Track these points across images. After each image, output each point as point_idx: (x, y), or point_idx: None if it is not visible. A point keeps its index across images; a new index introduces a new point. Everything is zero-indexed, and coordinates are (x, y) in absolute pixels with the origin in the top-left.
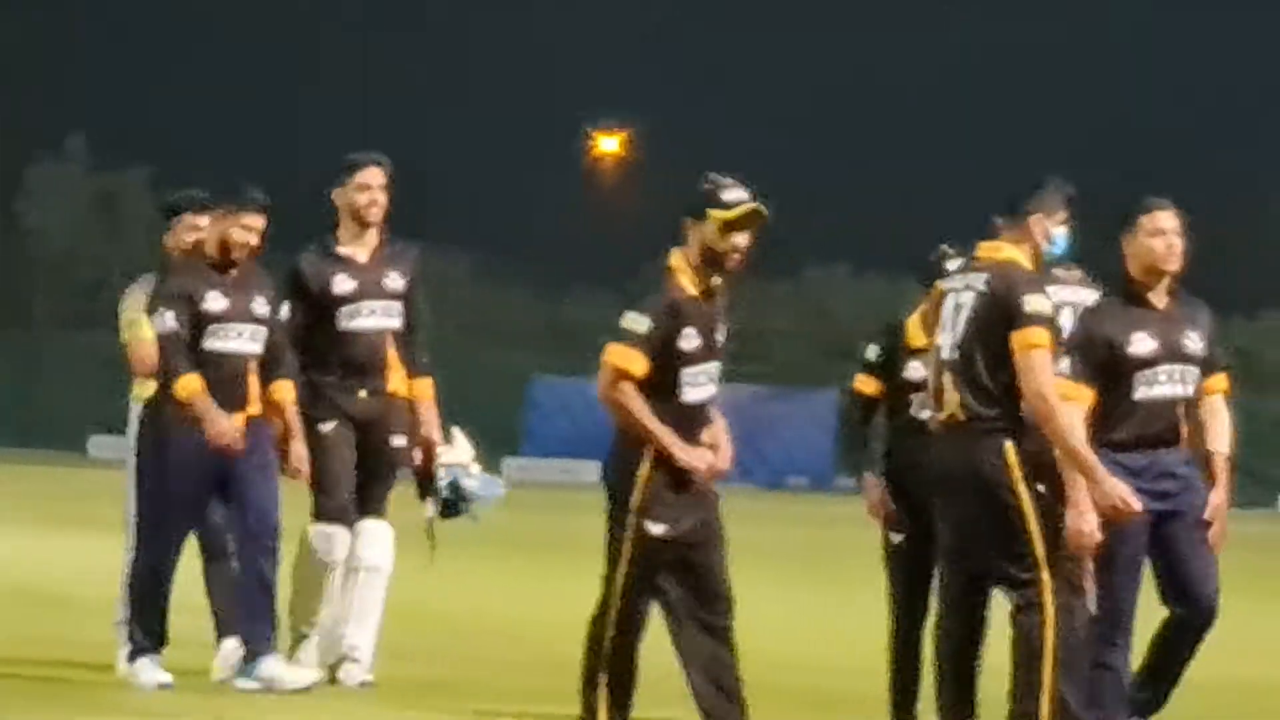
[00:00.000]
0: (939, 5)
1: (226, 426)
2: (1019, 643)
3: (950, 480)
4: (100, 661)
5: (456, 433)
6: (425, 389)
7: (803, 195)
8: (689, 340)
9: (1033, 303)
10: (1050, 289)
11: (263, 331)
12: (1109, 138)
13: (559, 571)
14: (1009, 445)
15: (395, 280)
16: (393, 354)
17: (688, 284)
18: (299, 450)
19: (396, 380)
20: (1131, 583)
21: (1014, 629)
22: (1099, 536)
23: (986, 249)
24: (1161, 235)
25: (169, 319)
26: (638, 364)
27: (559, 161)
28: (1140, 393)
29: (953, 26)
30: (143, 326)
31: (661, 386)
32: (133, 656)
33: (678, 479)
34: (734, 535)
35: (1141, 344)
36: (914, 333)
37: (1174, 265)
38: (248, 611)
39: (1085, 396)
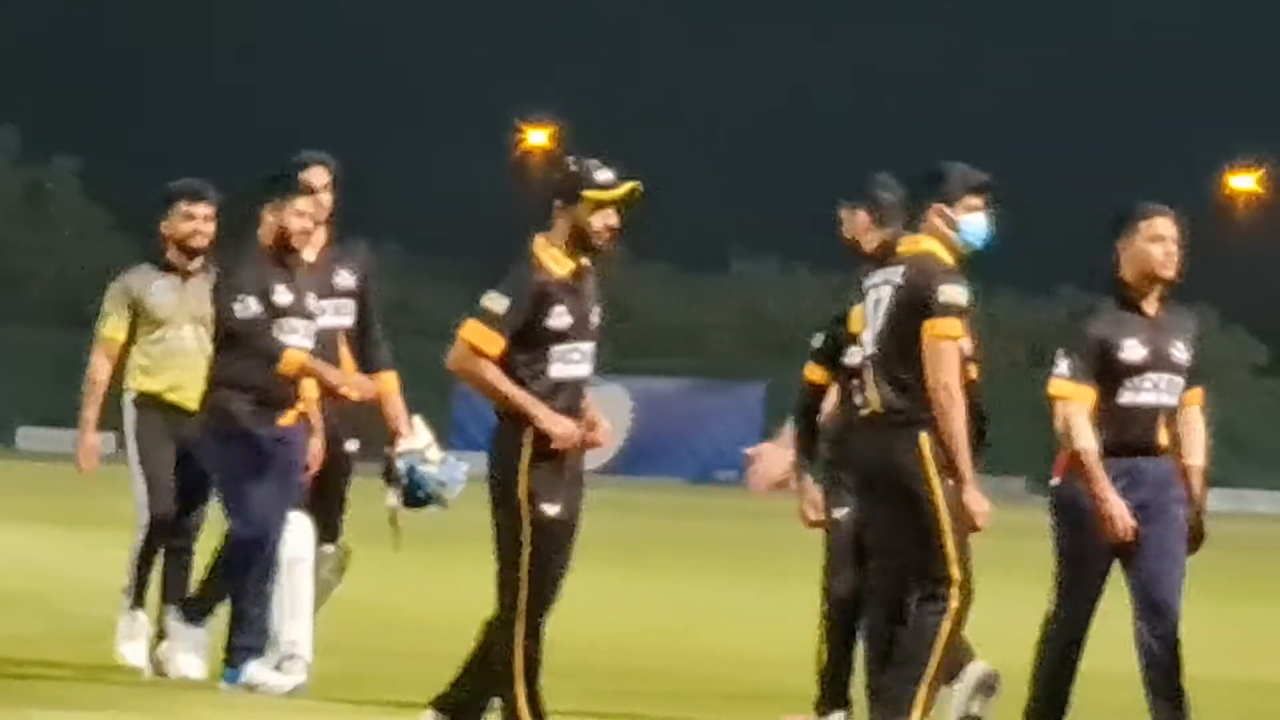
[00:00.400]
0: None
1: (354, 380)
2: (914, 633)
3: (870, 475)
4: (30, 657)
5: (416, 421)
6: (389, 382)
7: (731, 190)
8: (559, 318)
9: (947, 293)
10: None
11: (315, 328)
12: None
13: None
14: (924, 437)
15: (345, 278)
16: (345, 353)
17: (554, 266)
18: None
19: (347, 384)
20: (1094, 588)
21: (913, 618)
22: (1131, 522)
23: (906, 242)
24: (1160, 241)
25: (251, 304)
26: (492, 343)
27: (488, 154)
28: (1125, 398)
29: (883, 22)
30: (107, 324)
31: (530, 364)
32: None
33: (559, 461)
34: (663, 529)
35: (1132, 350)
36: (856, 320)
37: (1170, 273)
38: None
39: (1087, 395)
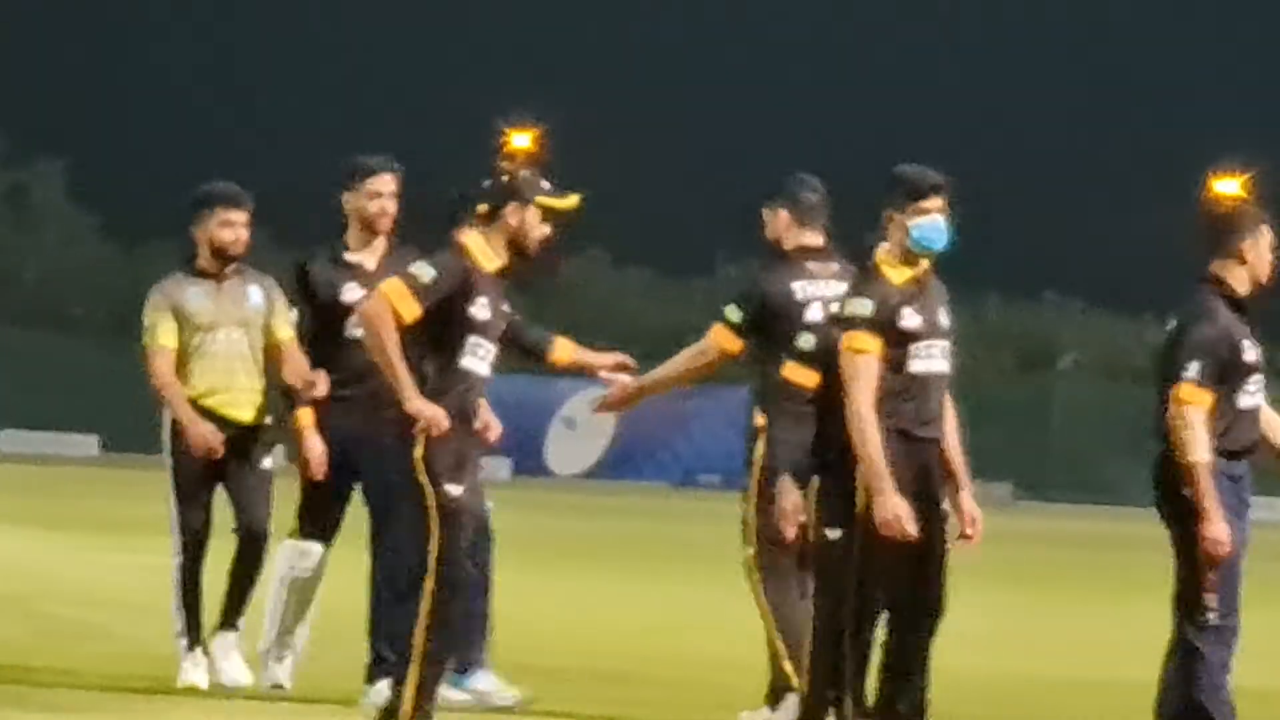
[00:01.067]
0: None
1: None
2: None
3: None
4: (10, 661)
5: None
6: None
7: (717, 193)
8: (481, 309)
9: (848, 306)
10: (799, 283)
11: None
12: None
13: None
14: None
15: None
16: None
17: (482, 259)
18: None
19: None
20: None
21: (905, 644)
22: (1227, 546)
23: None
24: (1273, 252)
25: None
26: (408, 307)
27: (471, 155)
28: (1243, 401)
29: (881, 25)
30: (158, 334)
31: (442, 346)
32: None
33: (456, 445)
34: (647, 532)
35: (1251, 352)
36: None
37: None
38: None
39: (1208, 401)
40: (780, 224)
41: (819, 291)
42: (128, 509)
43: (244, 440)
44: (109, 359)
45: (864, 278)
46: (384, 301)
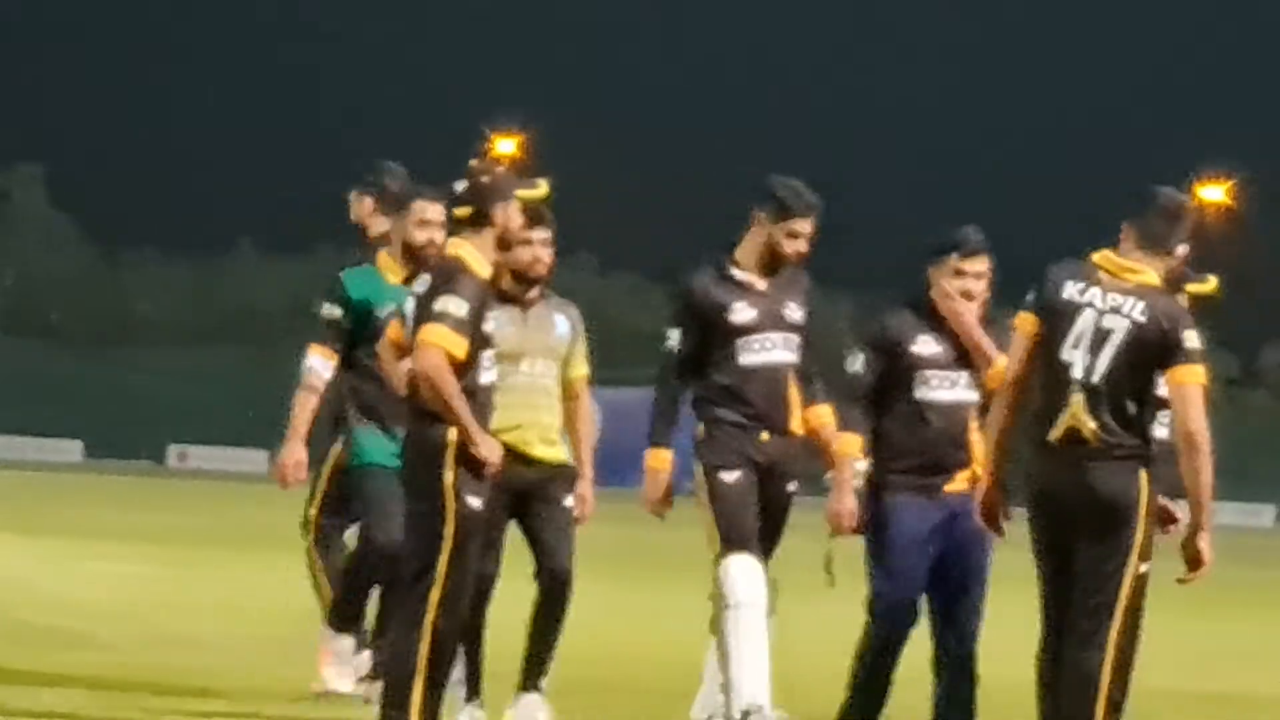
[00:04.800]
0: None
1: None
2: (1081, 680)
3: None
4: None
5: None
6: (827, 416)
7: (702, 200)
8: (490, 323)
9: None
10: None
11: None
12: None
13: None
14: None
15: (794, 311)
16: (794, 392)
17: (479, 269)
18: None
19: (797, 420)
20: None
21: (1074, 662)
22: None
23: None
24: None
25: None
26: (459, 348)
27: (459, 162)
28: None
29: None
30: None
31: (467, 369)
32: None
33: (476, 455)
34: (633, 539)
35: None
36: None
37: None
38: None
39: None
40: (364, 210)
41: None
42: (111, 516)
43: (544, 479)
44: (91, 365)
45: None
46: (437, 351)
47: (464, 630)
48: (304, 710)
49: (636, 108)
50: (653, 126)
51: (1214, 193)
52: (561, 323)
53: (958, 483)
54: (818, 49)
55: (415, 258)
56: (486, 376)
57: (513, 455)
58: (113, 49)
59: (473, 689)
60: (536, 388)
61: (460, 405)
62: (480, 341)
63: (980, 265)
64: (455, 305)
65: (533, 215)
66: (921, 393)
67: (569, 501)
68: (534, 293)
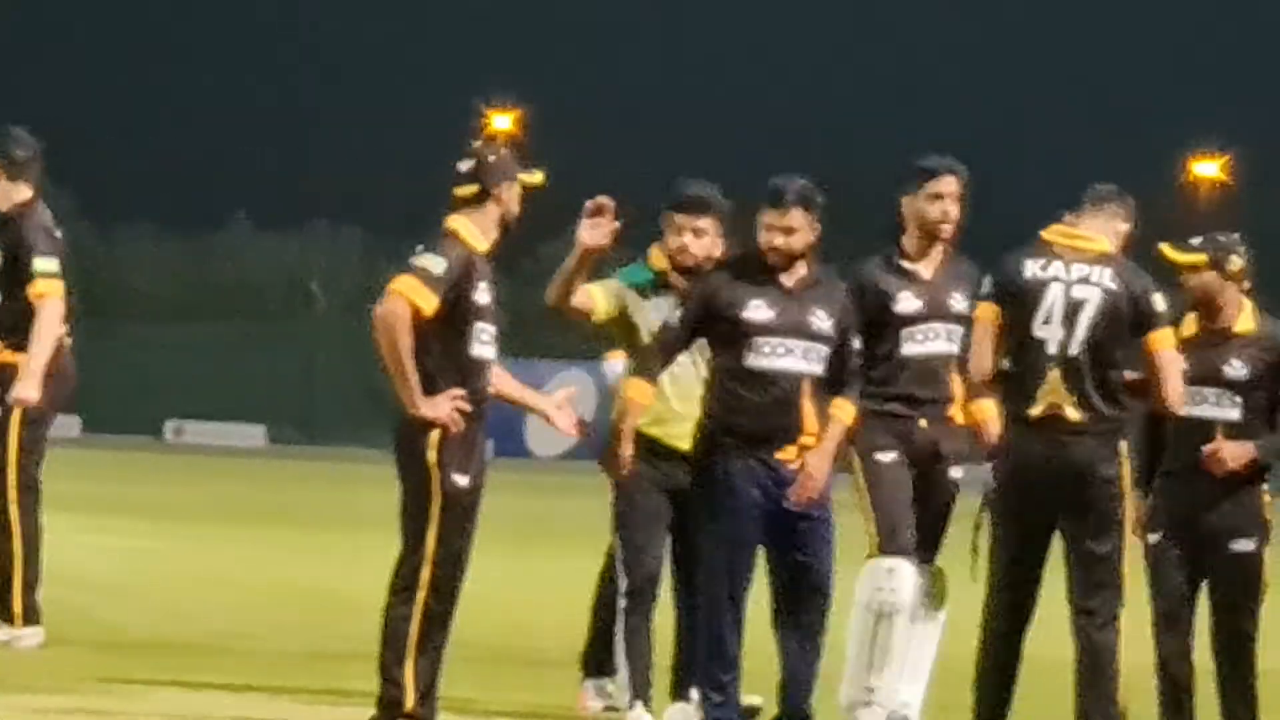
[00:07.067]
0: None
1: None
2: (1100, 652)
3: None
4: None
5: None
6: (990, 410)
7: (698, 176)
8: (483, 294)
9: None
10: None
11: (820, 350)
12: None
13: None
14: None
15: (959, 301)
16: (955, 381)
17: (475, 242)
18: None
19: (956, 408)
20: None
21: (1092, 638)
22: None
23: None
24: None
25: (677, 315)
26: (427, 301)
27: (453, 138)
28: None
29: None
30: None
31: (453, 336)
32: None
33: (468, 433)
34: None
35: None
36: None
37: None
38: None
39: None
40: None
41: None
42: (108, 490)
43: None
44: (87, 341)
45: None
46: (401, 299)
47: (631, 632)
48: (301, 682)
49: (635, 104)
50: (652, 122)
51: (1208, 168)
52: None
53: None
54: (818, 49)
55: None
56: (480, 349)
57: (659, 450)
58: (111, 35)
59: (640, 690)
60: (696, 378)
61: (407, 360)
62: (469, 311)
63: (951, 185)
64: (432, 262)
65: (689, 204)
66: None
67: None
68: (690, 283)
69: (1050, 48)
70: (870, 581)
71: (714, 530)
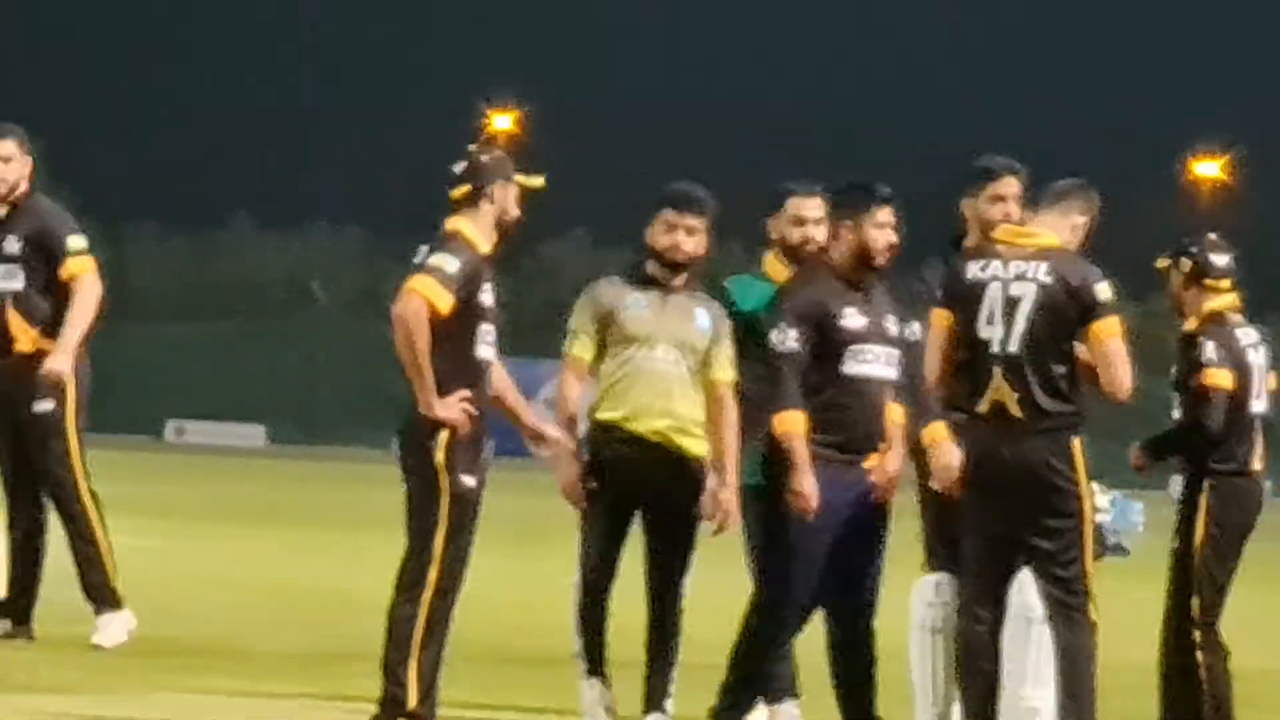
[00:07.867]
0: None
1: (808, 488)
2: (1069, 655)
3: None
4: None
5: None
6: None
7: (697, 175)
8: (487, 295)
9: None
10: None
11: (895, 354)
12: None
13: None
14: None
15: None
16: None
17: (479, 243)
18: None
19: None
20: None
21: (1058, 637)
22: None
23: None
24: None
25: (791, 338)
26: (443, 300)
27: (453, 138)
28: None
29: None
30: (575, 344)
31: (461, 337)
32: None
33: (475, 435)
34: None
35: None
36: None
37: None
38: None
39: None
40: None
41: None
42: (109, 490)
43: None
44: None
45: None
46: (419, 298)
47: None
48: (301, 682)
49: (635, 104)
50: (652, 122)
51: (1209, 168)
52: (702, 315)
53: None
54: (818, 49)
55: (796, 257)
56: (484, 351)
57: (636, 444)
58: (112, 31)
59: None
60: (670, 375)
61: (424, 360)
62: (475, 312)
63: (1013, 186)
64: (446, 262)
65: (686, 202)
66: None
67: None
68: (678, 280)
69: (1050, 48)
70: (918, 602)
71: (798, 546)
